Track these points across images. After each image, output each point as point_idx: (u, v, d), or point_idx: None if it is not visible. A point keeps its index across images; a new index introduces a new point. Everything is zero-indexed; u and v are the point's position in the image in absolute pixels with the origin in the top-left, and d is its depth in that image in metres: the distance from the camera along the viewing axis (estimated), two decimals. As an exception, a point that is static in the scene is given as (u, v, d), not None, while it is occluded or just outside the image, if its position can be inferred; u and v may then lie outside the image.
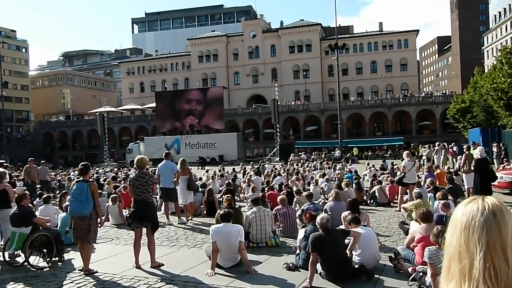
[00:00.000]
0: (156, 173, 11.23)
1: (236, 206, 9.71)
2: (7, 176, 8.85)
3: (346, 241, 6.58)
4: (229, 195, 9.72)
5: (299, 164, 29.17)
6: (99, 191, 10.84)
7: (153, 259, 7.07)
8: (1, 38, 71.08)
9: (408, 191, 11.94)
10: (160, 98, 59.03)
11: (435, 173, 15.07)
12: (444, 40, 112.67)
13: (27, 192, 9.05)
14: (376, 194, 13.35)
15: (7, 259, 7.56)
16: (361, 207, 9.54)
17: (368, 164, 22.63)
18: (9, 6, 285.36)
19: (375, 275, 6.14)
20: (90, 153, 59.83)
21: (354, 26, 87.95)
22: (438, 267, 5.04)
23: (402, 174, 12.19)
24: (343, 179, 15.30)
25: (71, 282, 6.45)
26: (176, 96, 58.57)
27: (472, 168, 12.20)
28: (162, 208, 11.74)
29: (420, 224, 6.61)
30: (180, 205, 11.62)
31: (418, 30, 74.08)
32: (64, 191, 14.13)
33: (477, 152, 12.51)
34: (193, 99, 55.82)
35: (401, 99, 62.48)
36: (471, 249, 1.11)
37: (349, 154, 43.49)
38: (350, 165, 26.03)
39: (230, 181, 16.53)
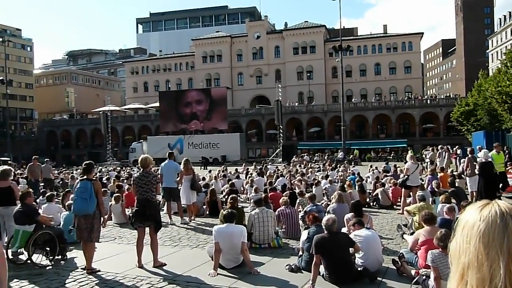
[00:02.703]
0: (159, 173, 11.23)
1: (239, 207, 9.70)
2: (12, 173, 8.87)
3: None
4: (233, 195, 9.70)
5: (302, 165, 29.13)
6: (102, 189, 10.90)
7: (155, 258, 7.07)
8: (6, 37, 71.28)
9: (411, 193, 11.90)
10: (164, 98, 59.10)
11: (438, 176, 15.02)
12: (448, 43, 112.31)
13: (30, 190, 9.07)
14: (379, 196, 13.31)
15: (10, 256, 7.57)
16: (364, 209, 9.53)
17: (371, 167, 22.57)
18: (14, 5, 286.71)
19: (378, 278, 6.12)
20: (93, 152, 60.05)
21: (359, 28, 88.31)
22: (441, 270, 5.02)
23: (406, 176, 12.15)
24: (346, 180, 15.27)
25: (74, 281, 6.46)
26: (180, 96, 58.61)
27: (477, 171, 12.16)
28: (165, 208, 11.75)
29: (423, 226, 6.59)
30: (183, 205, 11.62)
31: (422, 33, 73.87)
32: (67, 189, 14.19)
33: (481, 155, 12.47)
34: (197, 100, 55.80)
35: (404, 102, 62.35)
36: (492, 256, 1.05)
37: (352, 156, 43.42)
38: (353, 167, 25.98)
39: (233, 181, 16.53)
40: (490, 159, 12.73)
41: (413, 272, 5.98)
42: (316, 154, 48.74)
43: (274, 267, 6.88)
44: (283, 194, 11.79)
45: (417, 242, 6.43)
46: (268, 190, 12.96)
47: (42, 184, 17.63)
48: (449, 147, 25.44)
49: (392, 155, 48.46)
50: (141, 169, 7.57)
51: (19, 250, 7.58)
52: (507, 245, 1.06)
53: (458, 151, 24.55)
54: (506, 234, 1.07)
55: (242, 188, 17.16)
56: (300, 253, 6.99)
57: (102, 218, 7.08)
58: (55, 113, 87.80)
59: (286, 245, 8.53)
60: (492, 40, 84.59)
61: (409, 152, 21.38)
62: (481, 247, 1.08)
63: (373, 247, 6.49)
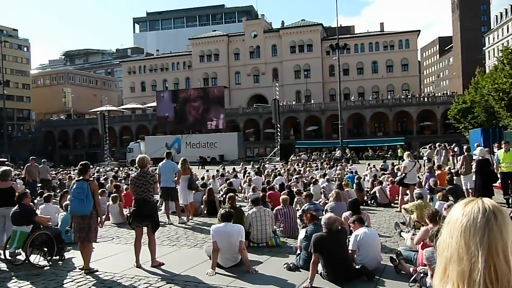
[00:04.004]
0: (157, 172, 11.23)
1: (237, 206, 9.69)
2: (12, 174, 8.85)
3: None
4: (231, 194, 9.70)
5: (300, 164, 29.16)
6: (101, 190, 10.88)
7: (153, 258, 7.07)
8: (3, 37, 71.00)
9: (408, 191, 11.92)
10: (161, 97, 58.99)
11: (436, 174, 15.05)
12: (445, 40, 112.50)
13: (27, 190, 9.05)
14: (377, 194, 13.33)
15: (8, 257, 7.56)
16: (361, 207, 9.55)
17: (368, 165, 22.61)
18: (11, 5, 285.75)
19: (376, 276, 6.13)
20: (91, 152, 59.89)
21: (356, 26, 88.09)
22: (434, 267, 5.03)
23: (403, 174, 12.17)
24: (343, 179, 15.29)
25: (72, 281, 6.45)
26: (177, 95, 58.53)
27: (473, 169, 12.18)
28: (163, 207, 11.75)
29: (422, 224, 6.59)
30: (181, 205, 11.63)
31: (419, 31, 74.03)
32: (64, 190, 14.16)
33: (477, 153, 12.50)
34: (194, 99, 55.78)
35: (402, 100, 62.45)
36: (472, 251, 1.08)
37: (349, 154, 43.48)
38: (351, 165, 26.01)
39: (230, 180, 16.52)
40: (487, 157, 12.77)
41: (411, 270, 5.99)
42: (313, 153, 48.80)
43: (272, 266, 6.89)
44: (281, 193, 11.80)
45: (423, 239, 6.39)
46: (266, 189, 12.96)
47: (40, 184, 17.57)
48: (447, 145, 25.49)
49: (389, 153, 48.53)
50: (139, 169, 7.57)
51: (17, 251, 7.57)
52: (487, 241, 1.08)
53: (456, 149, 24.57)
54: (487, 229, 1.10)
55: (240, 188, 17.17)
56: (298, 251, 7.00)
57: (99, 218, 7.08)
58: (52, 113, 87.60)
59: (284, 243, 8.54)
60: (488, 37, 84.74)
61: (399, 151, 21.52)
62: (462, 242, 1.11)
63: (371, 245, 6.50)
